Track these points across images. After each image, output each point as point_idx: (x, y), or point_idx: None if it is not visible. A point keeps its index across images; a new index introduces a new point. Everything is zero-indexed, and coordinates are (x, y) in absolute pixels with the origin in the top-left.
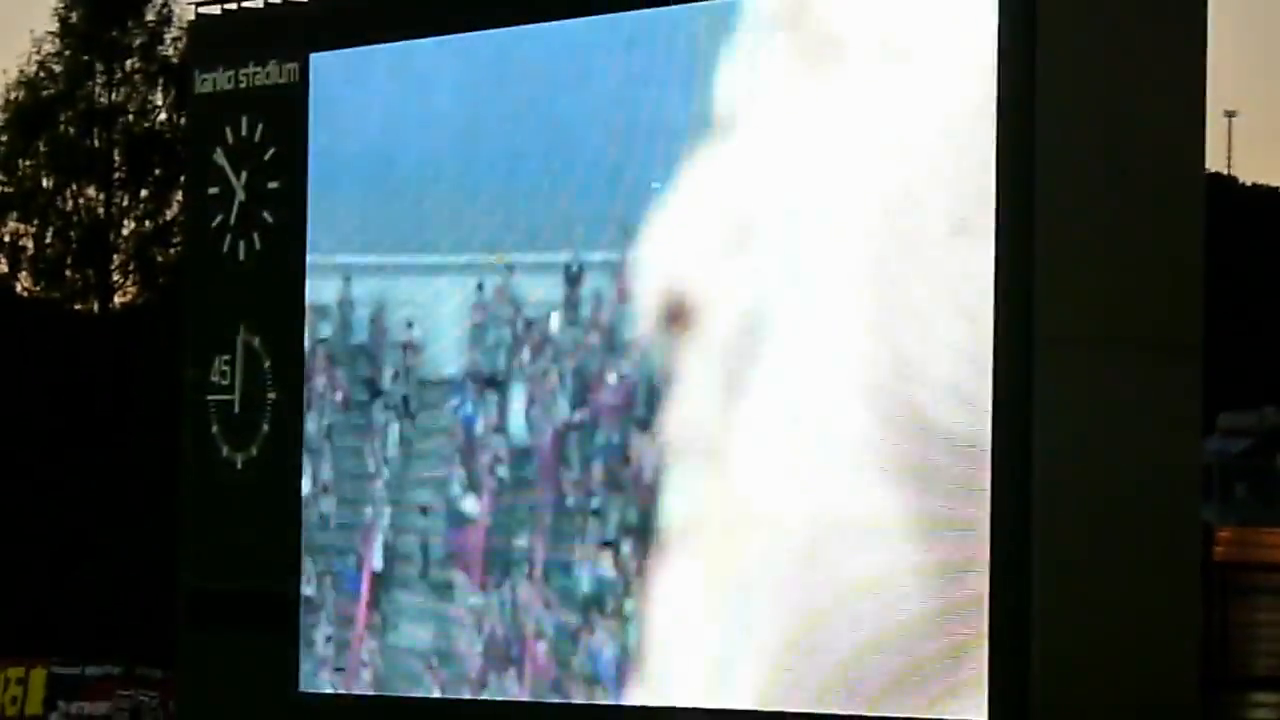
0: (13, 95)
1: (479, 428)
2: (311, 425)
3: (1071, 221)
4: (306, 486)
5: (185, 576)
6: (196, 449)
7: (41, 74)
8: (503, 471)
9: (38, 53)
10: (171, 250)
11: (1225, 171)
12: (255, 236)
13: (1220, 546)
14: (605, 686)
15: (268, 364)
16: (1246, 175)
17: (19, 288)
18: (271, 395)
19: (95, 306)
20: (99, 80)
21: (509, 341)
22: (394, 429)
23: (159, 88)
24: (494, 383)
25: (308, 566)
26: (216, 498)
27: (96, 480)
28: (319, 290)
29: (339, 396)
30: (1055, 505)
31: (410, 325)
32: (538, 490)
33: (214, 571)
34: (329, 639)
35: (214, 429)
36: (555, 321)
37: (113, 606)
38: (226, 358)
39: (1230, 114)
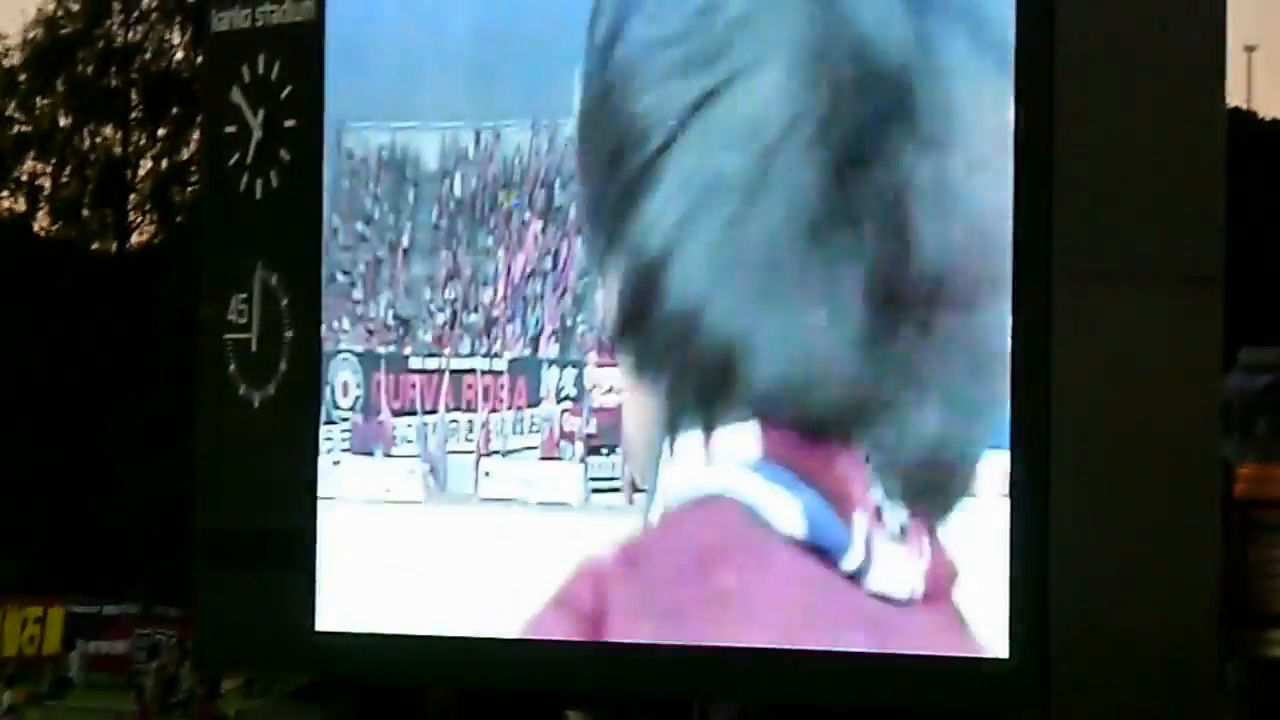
0: (31, 34)
1: None
2: None
3: (1091, 156)
4: None
5: (202, 515)
6: (213, 388)
7: (59, 13)
8: None
9: None
10: (189, 189)
11: (1245, 106)
12: (272, 175)
13: (1241, 483)
14: None
15: (285, 302)
16: (1267, 110)
17: (36, 227)
18: (289, 333)
19: (113, 246)
20: (116, 19)
21: None
22: None
23: (176, 26)
24: None
25: None
26: (233, 436)
27: (114, 419)
28: None
29: None
30: (1074, 442)
31: None
32: None
33: (231, 510)
34: None
35: (231, 367)
36: None
37: (131, 545)
38: (244, 296)
39: (1250, 48)
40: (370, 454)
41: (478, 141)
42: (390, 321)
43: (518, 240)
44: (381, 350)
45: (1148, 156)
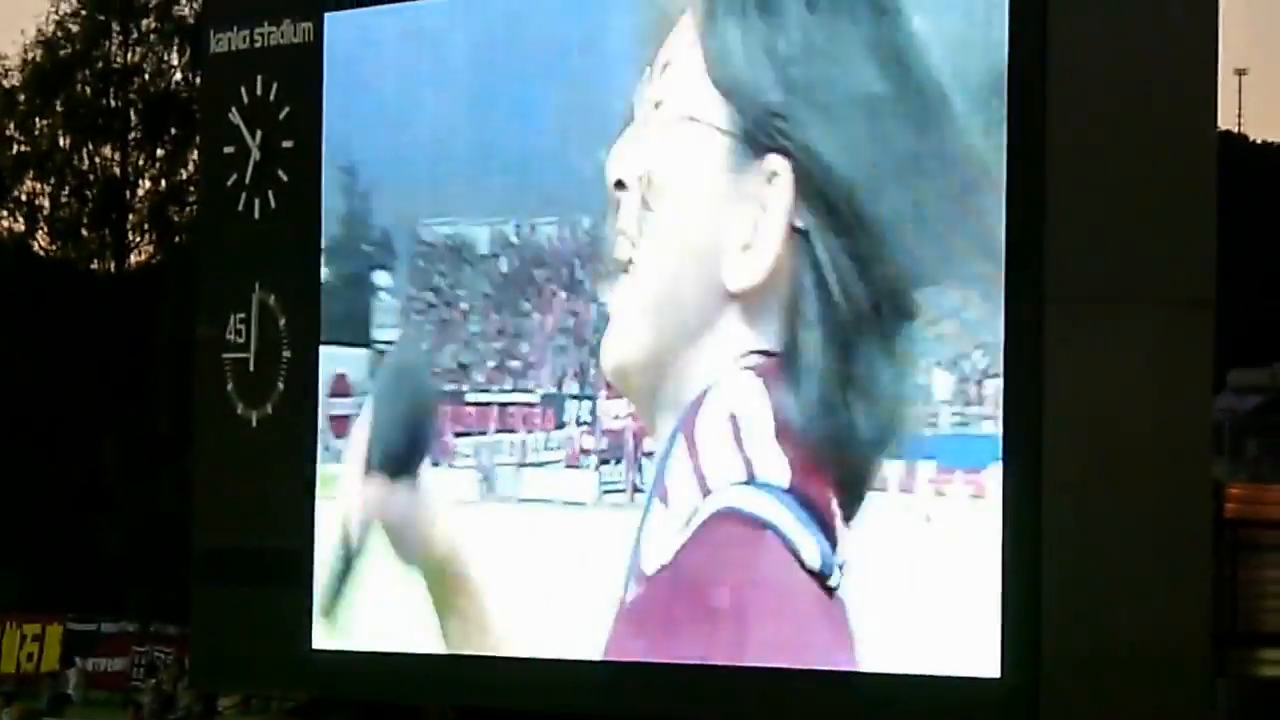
0: (30, 55)
1: None
2: None
3: (1083, 178)
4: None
5: (200, 534)
6: (211, 407)
7: (59, 34)
8: None
9: (55, 12)
10: (187, 209)
11: (1235, 129)
12: (270, 195)
13: (1231, 503)
14: None
15: (283, 322)
16: (1257, 133)
17: (36, 247)
18: (287, 353)
19: (111, 266)
20: (115, 40)
21: None
22: None
23: (175, 48)
24: None
25: None
26: (231, 455)
27: (112, 438)
28: None
29: None
30: (1065, 462)
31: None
32: None
33: (229, 528)
34: None
35: (229, 387)
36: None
37: (129, 563)
38: (241, 316)
39: (1241, 72)
40: (438, 465)
41: (518, 232)
42: (453, 367)
43: (548, 306)
44: (447, 388)
45: (1140, 179)
